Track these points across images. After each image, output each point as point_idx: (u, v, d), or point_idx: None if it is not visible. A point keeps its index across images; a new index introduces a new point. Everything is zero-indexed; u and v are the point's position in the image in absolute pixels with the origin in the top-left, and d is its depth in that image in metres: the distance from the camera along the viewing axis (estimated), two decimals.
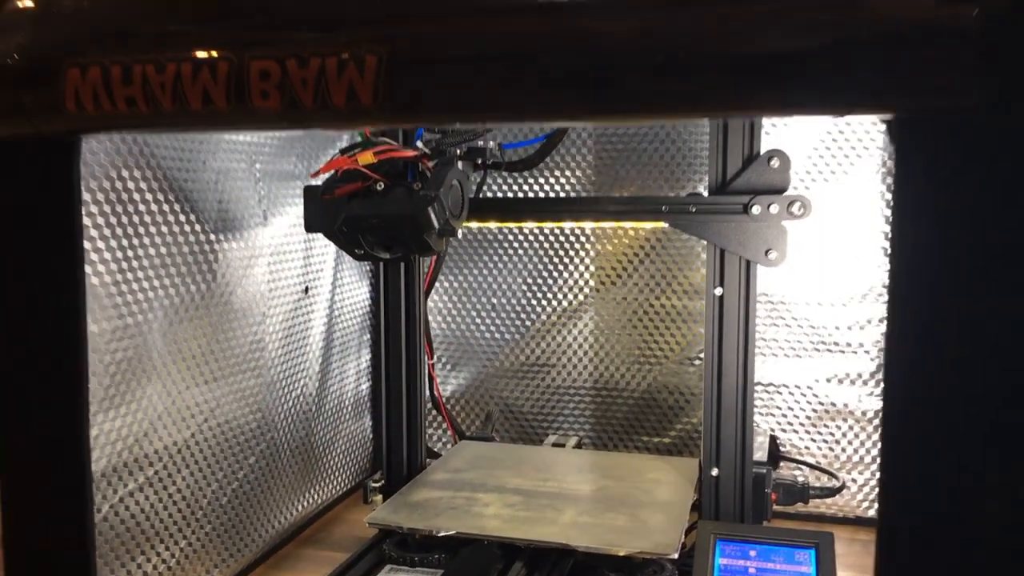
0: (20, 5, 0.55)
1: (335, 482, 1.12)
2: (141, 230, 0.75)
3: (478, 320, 1.20)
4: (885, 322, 0.45)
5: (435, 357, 1.18)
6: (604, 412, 1.17)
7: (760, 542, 0.80)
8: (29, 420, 0.63)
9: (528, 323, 1.19)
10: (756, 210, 0.80)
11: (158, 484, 0.78)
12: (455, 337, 1.21)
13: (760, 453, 0.92)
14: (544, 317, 1.18)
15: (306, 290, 1.02)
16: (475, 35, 0.49)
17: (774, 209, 0.80)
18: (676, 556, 0.77)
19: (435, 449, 1.19)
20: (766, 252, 0.82)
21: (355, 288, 1.15)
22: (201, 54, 0.50)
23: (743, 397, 0.86)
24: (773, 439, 1.09)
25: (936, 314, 0.46)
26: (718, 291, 0.85)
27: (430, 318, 1.19)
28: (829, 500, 1.02)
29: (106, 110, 0.52)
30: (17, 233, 0.60)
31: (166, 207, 0.78)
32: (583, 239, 1.15)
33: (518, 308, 1.19)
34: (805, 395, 1.08)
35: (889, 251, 0.48)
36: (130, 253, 0.74)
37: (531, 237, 1.17)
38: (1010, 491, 0.43)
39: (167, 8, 0.52)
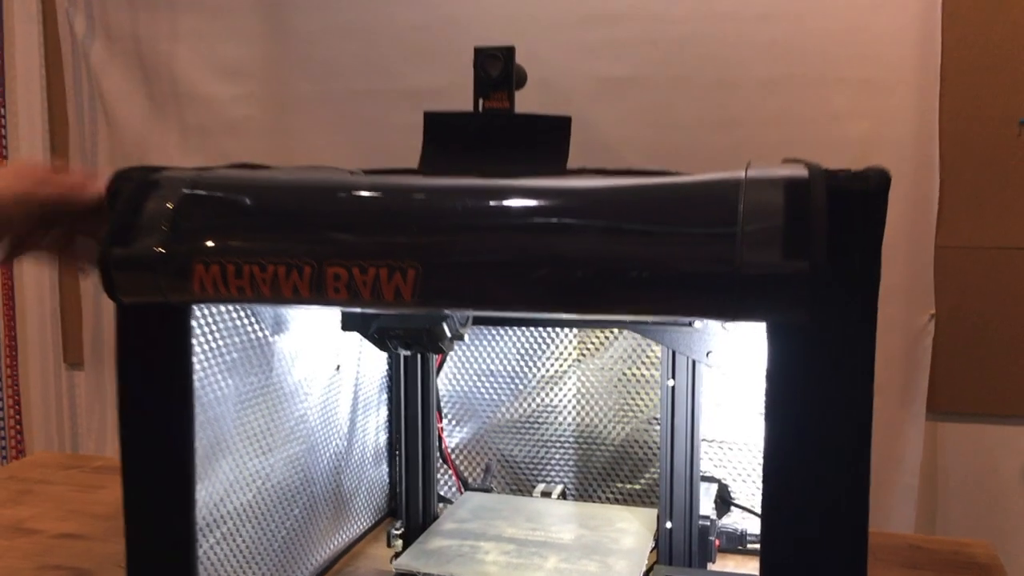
0: (160, 207, 0.76)
1: (359, 523, 1.34)
2: (220, 340, 0.97)
3: (479, 383, 1.42)
4: None
5: (443, 417, 1.40)
6: (585, 462, 1.39)
7: None
8: (152, 498, 0.85)
9: (521, 386, 1.41)
10: (698, 324, 1.02)
11: (229, 538, 1.00)
12: (459, 398, 1.43)
13: (708, 507, 1.14)
14: (535, 381, 1.40)
15: (337, 367, 1.24)
16: (488, 250, 0.71)
17: (711, 323, 1.02)
18: None
19: (443, 494, 1.41)
20: (707, 354, 1.04)
21: (374, 358, 1.37)
22: (292, 260, 0.72)
23: (691, 466, 1.08)
24: (725, 487, 1.31)
25: (789, 436, 0.70)
26: (670, 383, 1.07)
27: (439, 382, 1.41)
28: None
29: (222, 293, 0.74)
30: (149, 364, 0.82)
31: (238, 322, 0.99)
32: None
33: (512, 374, 1.40)
34: (752, 451, 1.30)
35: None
36: (213, 360, 0.95)
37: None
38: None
39: (269, 225, 0.74)
